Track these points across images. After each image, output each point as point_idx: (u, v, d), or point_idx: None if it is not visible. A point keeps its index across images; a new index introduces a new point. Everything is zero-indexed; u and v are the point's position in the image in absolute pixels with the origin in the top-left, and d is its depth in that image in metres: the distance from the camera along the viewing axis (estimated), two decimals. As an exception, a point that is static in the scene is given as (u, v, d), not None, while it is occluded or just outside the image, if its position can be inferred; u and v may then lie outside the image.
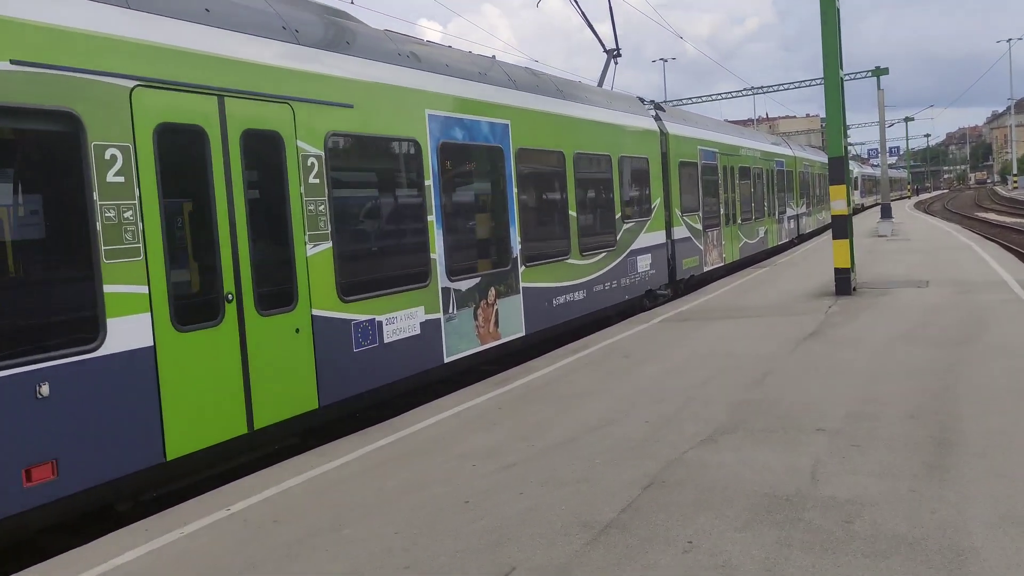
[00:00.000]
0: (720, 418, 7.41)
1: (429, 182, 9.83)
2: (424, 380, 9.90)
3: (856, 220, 49.88)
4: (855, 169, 70.10)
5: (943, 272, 17.97)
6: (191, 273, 6.97)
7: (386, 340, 8.98)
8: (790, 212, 31.78)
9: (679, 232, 18.38)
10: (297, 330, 7.75)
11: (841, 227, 14.98)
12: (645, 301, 16.59)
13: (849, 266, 14.99)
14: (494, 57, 13.31)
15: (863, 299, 14.43)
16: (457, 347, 10.27)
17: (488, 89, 11.34)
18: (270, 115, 7.57)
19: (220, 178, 7.03)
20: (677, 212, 18.30)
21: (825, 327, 11.83)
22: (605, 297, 14.53)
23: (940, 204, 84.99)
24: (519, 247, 11.77)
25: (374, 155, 9.26)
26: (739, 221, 23.77)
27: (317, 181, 8.08)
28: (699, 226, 19.82)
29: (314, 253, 8.01)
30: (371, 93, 8.94)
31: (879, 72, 54.24)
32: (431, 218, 9.85)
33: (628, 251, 15.49)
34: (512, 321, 11.53)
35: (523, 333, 11.85)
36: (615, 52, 20.16)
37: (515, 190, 11.72)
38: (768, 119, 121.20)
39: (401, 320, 9.24)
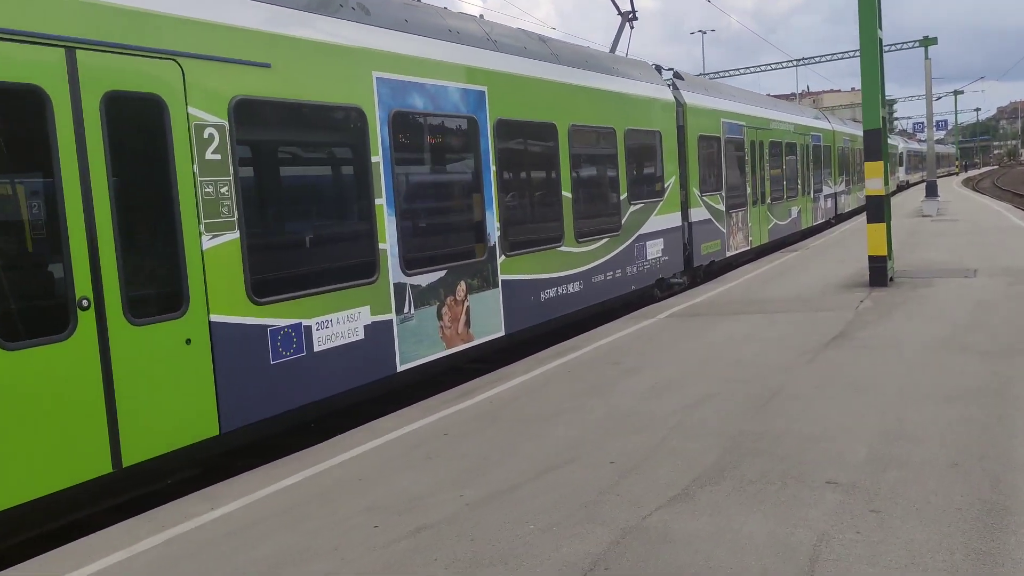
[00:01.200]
0: (706, 459, 5.84)
1: (377, 158, 8.32)
2: (374, 392, 8.46)
3: (901, 197, 47.43)
4: (900, 144, 67.30)
5: (993, 258, 16.08)
6: (23, 275, 5.56)
7: (317, 348, 7.52)
8: (827, 190, 29.79)
9: (697, 214, 16.68)
10: (188, 341, 6.31)
11: (877, 209, 13.21)
12: (656, 291, 14.98)
13: (885, 253, 13.23)
14: (481, 16, 11.73)
15: (900, 292, 12.68)
16: (415, 352, 8.79)
17: (459, 49, 9.77)
18: (147, 74, 6.09)
19: (69, 153, 5.58)
20: (695, 192, 16.60)
21: (853, 328, 10.16)
22: (607, 288, 12.95)
23: (989, 181, 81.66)
24: (498, 234, 10.23)
25: (300, 126, 7.73)
26: (768, 201, 21.96)
27: (218, 157, 6.60)
28: (721, 207, 18.09)
29: (214, 245, 6.55)
30: (297, 50, 7.42)
31: (927, 42, 51.33)
32: (380, 201, 8.34)
33: (635, 236, 13.87)
34: (488, 319, 10.02)
35: (503, 333, 10.34)
36: (630, 15, 18.40)
37: (493, 168, 10.17)
38: (810, 93, 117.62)
39: (338, 323, 7.77)
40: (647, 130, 14.51)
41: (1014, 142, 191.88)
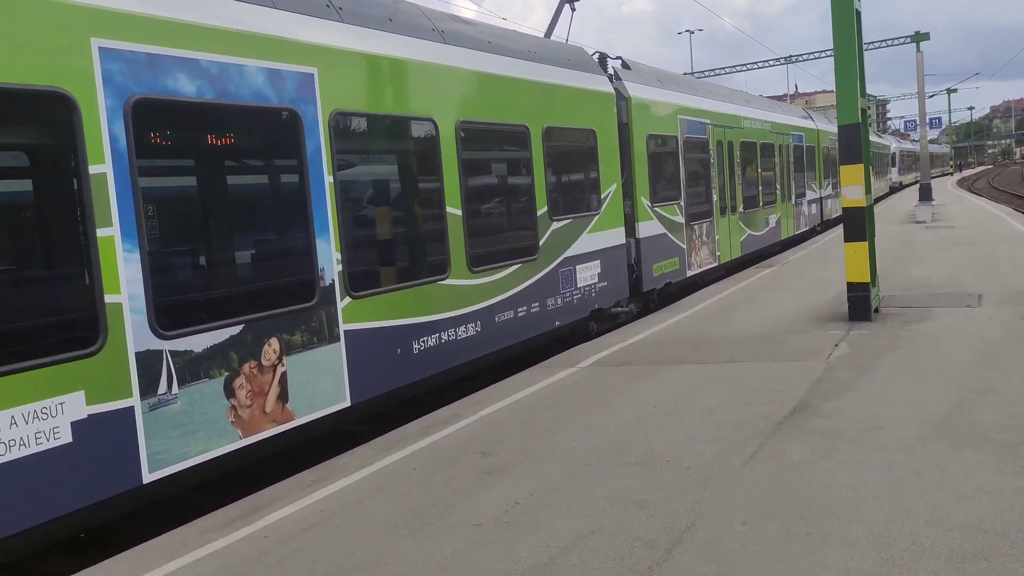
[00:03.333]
0: None
1: (102, 168, 5.59)
2: (111, 513, 5.74)
3: (892, 200, 44.80)
4: (892, 144, 64.83)
5: (998, 277, 13.42)
6: None
7: (-35, 469, 4.79)
8: (811, 195, 27.11)
9: (647, 228, 13.98)
10: None
11: (856, 224, 10.51)
12: (592, 324, 12.27)
13: (868, 280, 10.53)
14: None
15: (886, 330, 9.98)
16: (179, 451, 6.06)
17: (268, 15, 7.04)
18: None
19: None
20: (644, 202, 13.90)
21: (820, 393, 7.44)
22: (519, 328, 10.23)
23: (985, 181, 79.25)
24: (339, 268, 7.51)
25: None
26: (740, 209, 19.28)
27: None
28: (680, 218, 15.39)
29: None
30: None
31: (919, 37, 48.89)
32: (108, 232, 5.61)
33: (560, 260, 11.16)
34: (321, 387, 7.30)
35: (347, 403, 7.62)
36: (571, -5, 15.72)
37: (329, 179, 7.45)
38: (801, 94, 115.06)
39: (16, 425, 5.04)
40: (576, 128, 11.82)
41: (1008, 141, 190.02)
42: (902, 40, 50.10)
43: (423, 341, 8.58)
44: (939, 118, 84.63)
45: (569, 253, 11.42)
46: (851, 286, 10.61)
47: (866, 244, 10.45)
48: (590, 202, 12.14)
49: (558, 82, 11.42)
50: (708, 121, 17.21)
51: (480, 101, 9.67)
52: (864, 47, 10.59)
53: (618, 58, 14.92)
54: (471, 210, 9.42)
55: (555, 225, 11.08)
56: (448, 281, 9.00)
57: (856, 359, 8.61)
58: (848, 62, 10.32)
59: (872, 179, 40.83)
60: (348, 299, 7.60)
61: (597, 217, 12.21)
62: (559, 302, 11.17)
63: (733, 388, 7.87)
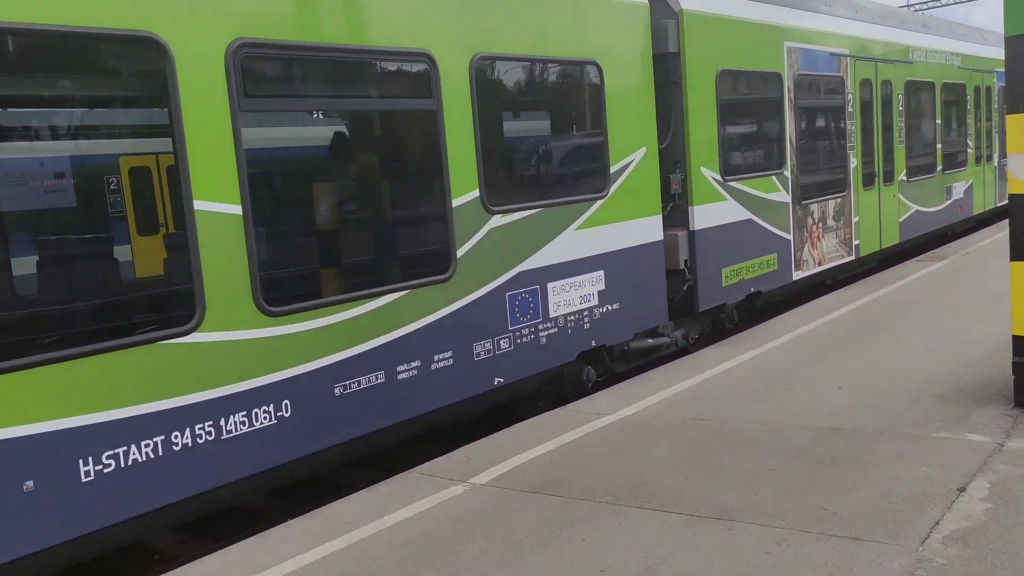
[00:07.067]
0: None
1: None
2: None
3: None
4: None
5: None
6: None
7: None
8: None
9: (712, 214, 9.19)
10: None
11: (1034, 230, 5.42)
12: (587, 371, 7.82)
13: (1056, 335, 5.44)
14: None
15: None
16: None
17: None
18: None
19: None
20: (708, 175, 9.12)
21: None
22: (398, 402, 6.03)
23: None
24: None
25: None
26: (902, 177, 13.76)
27: None
28: (782, 195, 10.41)
29: None
30: None
31: None
32: None
33: (507, 277, 6.80)
34: None
35: None
36: None
37: None
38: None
39: None
40: (554, 60, 7.30)
41: None
42: None
43: (115, 458, 4.60)
44: None
45: (528, 265, 7.01)
46: (1020, 343, 5.56)
47: (1053, 267, 5.36)
48: (584, 180, 7.61)
49: (516, -17, 6.93)
50: (846, 51, 11.90)
51: (303, 10, 5.44)
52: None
53: (692, -40, 10.04)
54: (275, 204, 5.29)
55: (497, 221, 6.71)
56: (202, 335, 4.94)
57: (989, 557, 3.77)
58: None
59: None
60: None
61: (600, 202, 7.67)
62: (503, 346, 6.82)
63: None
